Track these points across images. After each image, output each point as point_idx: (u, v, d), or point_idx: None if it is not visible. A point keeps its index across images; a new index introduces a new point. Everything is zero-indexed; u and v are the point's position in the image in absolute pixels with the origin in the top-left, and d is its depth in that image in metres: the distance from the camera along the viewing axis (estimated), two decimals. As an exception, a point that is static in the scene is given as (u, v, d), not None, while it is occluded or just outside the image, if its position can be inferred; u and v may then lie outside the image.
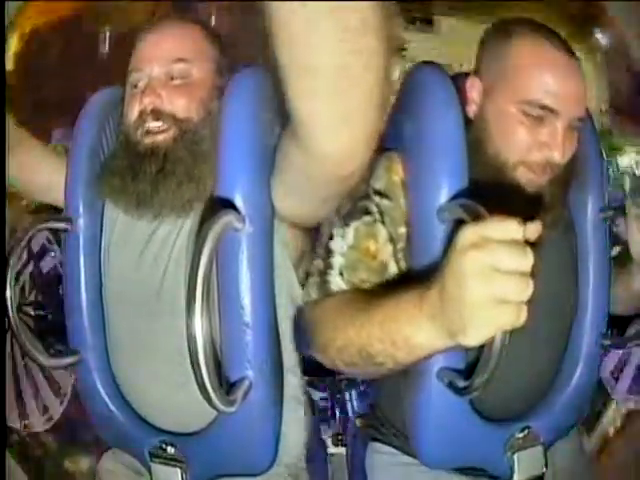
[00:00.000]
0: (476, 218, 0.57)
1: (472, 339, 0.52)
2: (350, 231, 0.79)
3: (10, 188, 0.94)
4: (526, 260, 0.50)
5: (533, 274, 0.51)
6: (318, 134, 0.53)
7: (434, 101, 0.78)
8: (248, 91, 0.79)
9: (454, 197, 0.73)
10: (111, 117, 0.92)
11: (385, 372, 0.70)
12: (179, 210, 0.82)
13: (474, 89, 0.82)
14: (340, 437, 1.41)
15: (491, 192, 0.74)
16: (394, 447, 0.90)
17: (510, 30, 0.80)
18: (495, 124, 0.79)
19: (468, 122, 0.80)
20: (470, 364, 0.72)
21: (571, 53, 0.78)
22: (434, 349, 0.60)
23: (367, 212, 0.79)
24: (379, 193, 0.80)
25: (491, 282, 0.50)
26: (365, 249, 0.78)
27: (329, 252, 0.79)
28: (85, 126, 0.90)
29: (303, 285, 0.83)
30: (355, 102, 0.49)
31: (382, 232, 0.79)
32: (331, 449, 1.27)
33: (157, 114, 0.81)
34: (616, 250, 0.96)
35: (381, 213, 0.79)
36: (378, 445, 0.92)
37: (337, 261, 0.78)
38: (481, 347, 0.59)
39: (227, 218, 0.71)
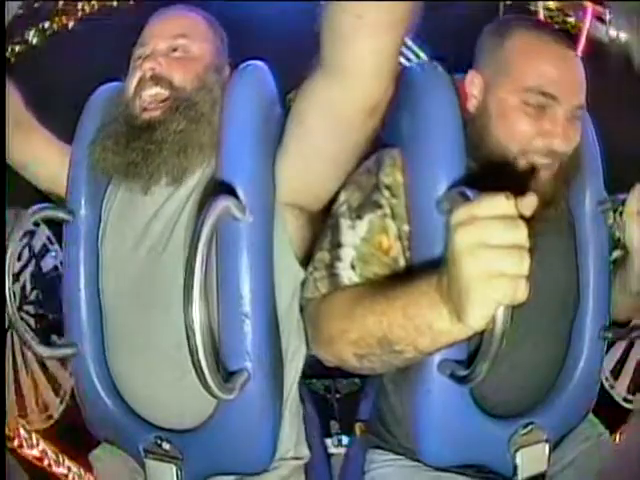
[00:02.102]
0: (469, 200, 0.56)
1: (473, 318, 0.51)
2: (363, 224, 0.78)
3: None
4: (518, 233, 0.49)
5: (531, 252, 0.50)
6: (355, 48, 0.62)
7: (432, 95, 0.78)
8: (251, 81, 0.81)
9: (452, 187, 0.73)
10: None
11: (400, 364, 0.68)
12: (169, 179, 0.83)
13: (474, 85, 0.82)
14: (340, 438, 1.39)
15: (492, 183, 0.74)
16: (396, 453, 0.87)
17: (508, 26, 0.82)
18: (496, 116, 0.79)
19: (466, 120, 0.79)
20: (471, 355, 0.71)
21: (570, 46, 0.79)
22: (454, 337, 0.58)
23: (379, 206, 0.79)
24: (388, 188, 0.79)
25: (482, 257, 0.49)
26: (378, 243, 0.78)
27: (337, 244, 0.78)
28: (87, 120, 0.91)
29: (304, 281, 0.82)
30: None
31: (392, 228, 0.78)
32: (332, 449, 1.25)
33: (156, 79, 0.84)
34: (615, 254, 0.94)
35: (391, 208, 0.79)
36: (379, 451, 0.90)
37: (347, 253, 0.77)
38: (482, 336, 0.57)
39: (225, 202, 0.71)
